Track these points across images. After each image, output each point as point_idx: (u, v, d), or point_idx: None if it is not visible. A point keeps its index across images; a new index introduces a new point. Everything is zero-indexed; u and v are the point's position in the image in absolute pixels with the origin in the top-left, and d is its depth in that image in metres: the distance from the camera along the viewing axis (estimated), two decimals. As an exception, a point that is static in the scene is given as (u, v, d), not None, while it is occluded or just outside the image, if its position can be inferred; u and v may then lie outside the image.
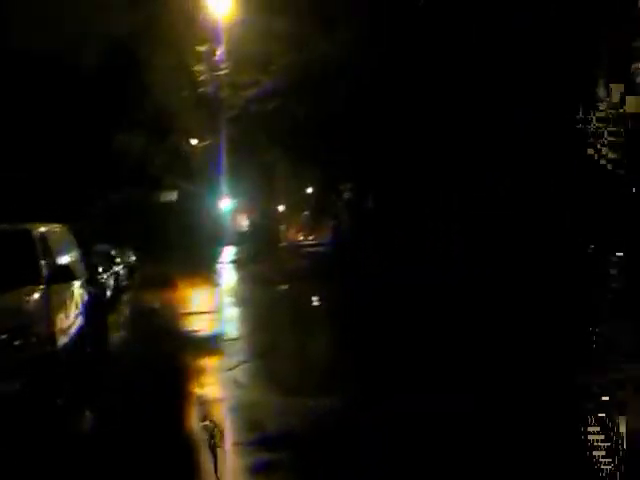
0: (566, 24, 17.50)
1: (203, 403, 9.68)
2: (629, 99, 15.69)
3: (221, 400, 9.95)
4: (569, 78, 17.86)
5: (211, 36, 26.30)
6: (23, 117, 35.96)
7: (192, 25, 27.56)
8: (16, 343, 8.65)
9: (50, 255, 10.81)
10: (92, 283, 15.85)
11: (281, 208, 69.34)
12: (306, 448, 7.62)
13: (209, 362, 12.70)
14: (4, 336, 8.60)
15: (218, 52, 26.62)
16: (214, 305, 21.37)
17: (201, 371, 11.83)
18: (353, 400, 9.18)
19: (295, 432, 8.09)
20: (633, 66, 16.70)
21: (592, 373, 9.48)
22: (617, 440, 7.28)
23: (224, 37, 25.99)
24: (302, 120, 28.69)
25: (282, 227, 70.46)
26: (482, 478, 6.68)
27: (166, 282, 27.04)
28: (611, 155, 16.08)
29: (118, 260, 24.66)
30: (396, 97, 23.16)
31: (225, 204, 61.01)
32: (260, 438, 7.96)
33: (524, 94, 18.57)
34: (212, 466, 7.27)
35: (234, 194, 60.45)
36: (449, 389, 9.35)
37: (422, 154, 25.03)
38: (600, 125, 16.30)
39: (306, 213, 69.22)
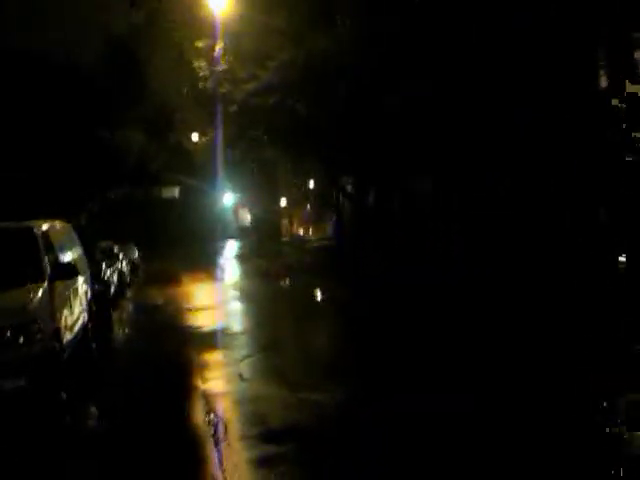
0: (566, 23, 17.49)
1: (207, 397, 9.74)
2: None
3: (225, 394, 10.00)
4: (569, 77, 17.86)
5: (210, 32, 26.31)
6: (23, 116, 36.00)
7: (191, 21, 27.56)
8: (21, 340, 8.71)
9: (53, 252, 10.87)
10: (96, 279, 15.92)
11: (283, 203, 69.36)
12: (310, 442, 7.67)
13: (213, 357, 12.74)
14: (8, 333, 8.67)
15: (217, 47, 26.63)
16: (217, 300, 21.41)
17: (205, 366, 11.86)
18: (355, 397, 9.22)
19: (299, 426, 8.14)
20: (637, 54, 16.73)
21: (591, 374, 9.50)
22: (614, 441, 7.33)
23: (223, 32, 26.00)
24: (302, 115, 28.69)
25: (284, 222, 70.48)
26: (482, 478, 6.71)
27: (169, 278, 27.10)
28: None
29: (121, 256, 24.70)
30: (396, 95, 23.12)
31: (227, 199, 61.05)
32: (264, 432, 8.01)
33: (524, 94, 18.55)
34: (217, 459, 7.33)
35: (236, 189, 60.50)
36: (449, 389, 9.36)
37: (422, 153, 24.99)
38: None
39: (308, 208, 69.25)
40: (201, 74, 28.38)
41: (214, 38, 26.46)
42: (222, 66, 27.39)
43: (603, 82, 17.85)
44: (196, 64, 28.11)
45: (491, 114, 20.02)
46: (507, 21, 18.40)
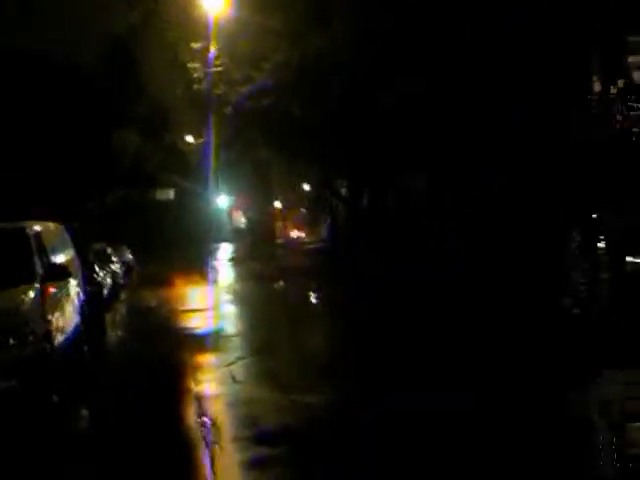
0: (560, 20, 17.50)
1: (200, 399, 9.68)
2: None
3: (218, 396, 9.95)
4: (563, 74, 17.86)
5: (205, 33, 26.29)
6: (22, 116, 35.97)
7: (186, 22, 27.54)
8: (11, 342, 8.64)
9: (45, 253, 10.80)
10: (89, 281, 15.84)
11: (278, 205, 69.42)
12: (303, 444, 7.62)
13: (206, 359, 12.70)
14: (-1, 335, 8.60)
15: (212, 49, 26.61)
16: (211, 302, 21.35)
17: (198, 368, 11.82)
18: (350, 397, 9.18)
19: (292, 428, 8.08)
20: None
21: (590, 371, 9.46)
22: (610, 440, 7.30)
23: (218, 33, 25.97)
24: (296, 116, 28.70)
25: (279, 224, 70.53)
26: (482, 476, 6.65)
27: (163, 280, 27.04)
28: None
29: (115, 258, 24.64)
30: (390, 92, 23.11)
31: (222, 201, 61.01)
32: (257, 434, 7.95)
33: (518, 91, 18.55)
34: (209, 461, 7.27)
35: (230, 191, 60.50)
36: (449, 387, 9.31)
37: (416, 150, 25.00)
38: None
39: (303, 210, 69.33)
40: (195, 75, 28.37)
41: (209, 39, 26.44)
42: (217, 67, 27.38)
43: (597, 86, 17.85)
44: (191, 65, 28.10)
45: (485, 111, 20.02)
46: (501, 18, 18.41)
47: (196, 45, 27.14)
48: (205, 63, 27.47)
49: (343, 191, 39.03)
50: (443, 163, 24.07)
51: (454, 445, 7.24)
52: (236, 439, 7.94)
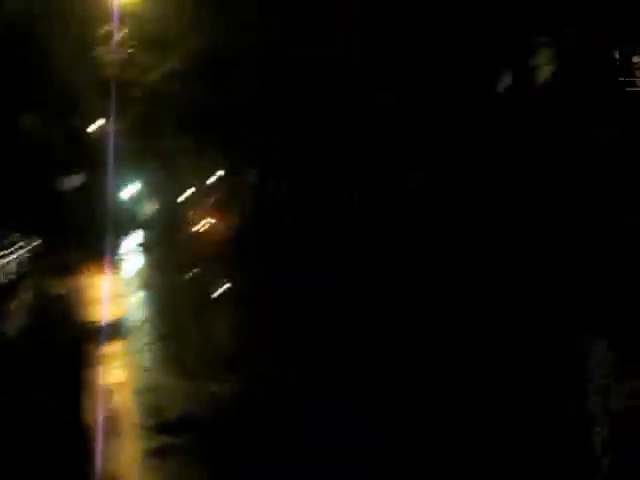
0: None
1: (105, 388, 9.55)
2: None
3: (123, 384, 9.84)
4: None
5: (113, 15, 25.78)
6: None
7: (94, 4, 26.96)
8: None
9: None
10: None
11: (189, 193, 68.73)
12: (207, 433, 7.62)
13: (112, 347, 12.51)
14: None
15: (120, 33, 26.14)
16: (119, 290, 21.03)
17: (104, 356, 11.63)
18: (254, 387, 9.18)
19: (196, 417, 8.07)
20: None
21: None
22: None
23: (126, 17, 25.53)
24: (203, 104, 28.45)
25: (191, 212, 69.84)
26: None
27: (72, 268, 26.46)
28: None
29: (19, 245, 23.94)
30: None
31: (131, 189, 60.05)
32: (161, 422, 7.92)
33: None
34: (111, 451, 7.20)
35: (140, 179, 59.59)
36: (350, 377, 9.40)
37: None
38: None
39: (215, 198, 68.80)
40: (102, 60, 27.80)
41: (117, 22, 25.95)
42: (125, 52, 26.91)
43: (507, 80, 18.18)
44: (98, 49, 27.51)
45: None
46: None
47: (104, 28, 26.60)
48: (112, 47, 26.96)
49: (253, 178, 38.82)
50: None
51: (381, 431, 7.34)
52: (140, 427, 7.89)
